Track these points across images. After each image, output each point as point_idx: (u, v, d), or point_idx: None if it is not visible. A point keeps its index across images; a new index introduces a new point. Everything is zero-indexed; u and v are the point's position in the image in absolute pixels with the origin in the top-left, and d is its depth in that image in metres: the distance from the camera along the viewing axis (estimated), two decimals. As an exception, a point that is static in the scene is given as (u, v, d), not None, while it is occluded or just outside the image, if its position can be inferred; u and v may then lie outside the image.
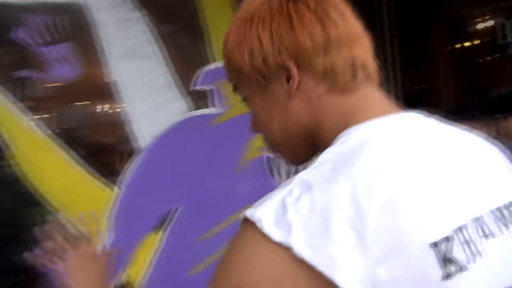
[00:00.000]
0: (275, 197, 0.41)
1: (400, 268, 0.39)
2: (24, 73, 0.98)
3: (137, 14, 1.24)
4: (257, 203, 0.42)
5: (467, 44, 4.61)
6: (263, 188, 1.71)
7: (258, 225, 0.39)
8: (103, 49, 1.14)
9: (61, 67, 1.04)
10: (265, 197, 0.43)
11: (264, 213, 0.40)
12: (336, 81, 0.51)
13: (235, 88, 0.60)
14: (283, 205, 0.40)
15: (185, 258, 1.32)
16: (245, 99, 0.60)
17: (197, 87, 1.45)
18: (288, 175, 1.85)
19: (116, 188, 1.14)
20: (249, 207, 0.43)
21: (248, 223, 0.40)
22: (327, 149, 0.47)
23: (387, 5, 3.39)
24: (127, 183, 1.16)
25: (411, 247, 0.40)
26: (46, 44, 1.02)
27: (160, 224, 1.25)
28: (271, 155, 1.75)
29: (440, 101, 4.73)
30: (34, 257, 0.74)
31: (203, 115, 1.44)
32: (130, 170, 1.18)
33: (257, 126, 0.60)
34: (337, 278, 0.37)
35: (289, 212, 0.40)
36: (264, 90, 0.54)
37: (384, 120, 0.50)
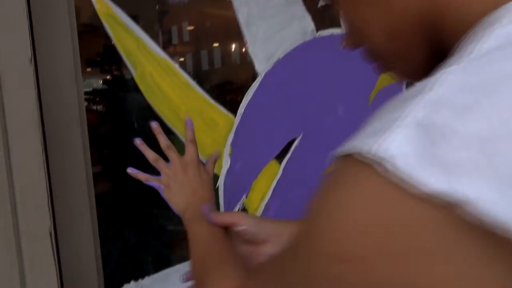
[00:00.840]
0: (408, 115, 0.23)
1: None
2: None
3: None
4: (365, 131, 0.25)
5: None
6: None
7: (388, 166, 0.22)
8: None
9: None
10: (376, 119, 0.25)
11: (397, 145, 0.22)
12: None
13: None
14: (433, 127, 0.22)
15: (302, 191, 1.27)
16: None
17: (323, 2, 1.28)
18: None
19: (236, 115, 1.09)
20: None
21: (358, 164, 0.23)
22: (490, 32, 0.27)
23: None
24: (246, 110, 1.11)
25: None
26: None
27: (280, 154, 1.19)
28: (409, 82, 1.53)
29: None
30: (131, 173, 0.76)
31: (331, 36, 1.28)
32: (250, 96, 1.12)
33: (352, 37, 0.43)
34: None
35: (449, 140, 0.21)
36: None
37: None
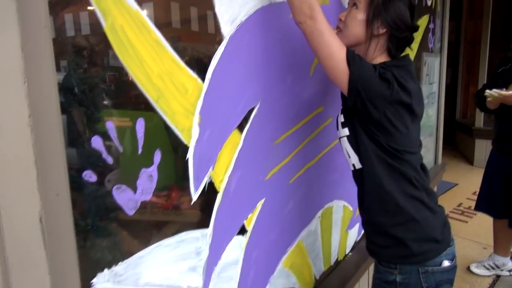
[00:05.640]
0: None
1: None
2: None
3: None
4: None
5: None
6: (332, 92, 1.59)
7: None
8: None
9: None
10: None
11: None
12: None
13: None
14: None
15: (262, 160, 1.25)
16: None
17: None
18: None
19: (204, 80, 1.01)
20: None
21: None
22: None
23: None
24: (213, 75, 1.03)
25: None
26: None
27: (242, 123, 1.14)
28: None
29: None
30: None
31: (283, 5, 1.25)
32: (216, 59, 1.04)
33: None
34: None
35: None
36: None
37: None
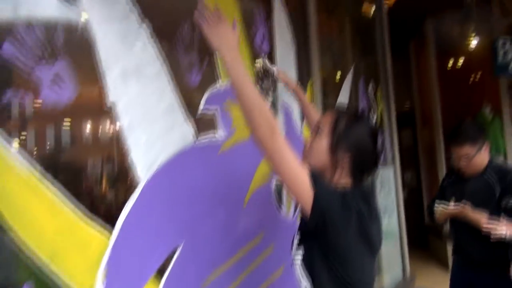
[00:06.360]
0: None
1: None
2: (11, 94, 0.80)
3: (142, 28, 1.09)
4: None
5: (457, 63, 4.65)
6: (272, 218, 1.56)
7: None
8: (103, 67, 0.98)
9: (55, 88, 0.87)
10: None
11: None
12: None
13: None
14: None
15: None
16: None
17: (203, 110, 1.30)
18: (290, 204, 1.72)
19: (113, 231, 0.97)
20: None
21: None
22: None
23: (380, 28, 3.35)
24: (124, 224, 0.99)
25: None
26: (38, 62, 0.85)
27: (159, 270, 1.08)
28: (278, 181, 1.62)
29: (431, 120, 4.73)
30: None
31: (210, 142, 1.29)
32: (128, 208, 1.01)
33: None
34: None
35: None
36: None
37: None
